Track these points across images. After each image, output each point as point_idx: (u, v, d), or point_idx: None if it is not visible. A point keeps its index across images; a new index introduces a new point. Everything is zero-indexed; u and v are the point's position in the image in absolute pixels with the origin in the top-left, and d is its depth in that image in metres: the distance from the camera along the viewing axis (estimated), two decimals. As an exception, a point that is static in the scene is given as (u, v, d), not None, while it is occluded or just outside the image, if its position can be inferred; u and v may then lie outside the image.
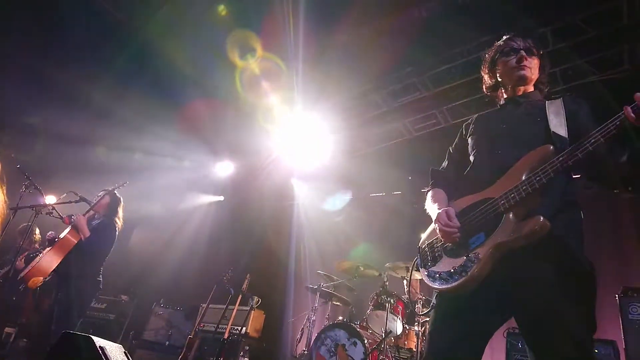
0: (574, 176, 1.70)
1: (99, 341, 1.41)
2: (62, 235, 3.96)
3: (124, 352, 1.82)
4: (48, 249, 3.94)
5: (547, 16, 4.52)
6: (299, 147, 6.97)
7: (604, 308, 3.62)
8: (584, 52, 4.80)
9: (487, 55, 2.02)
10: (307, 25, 5.00)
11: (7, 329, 5.49)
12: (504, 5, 4.31)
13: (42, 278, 3.83)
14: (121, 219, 4.43)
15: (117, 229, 4.31)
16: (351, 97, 6.04)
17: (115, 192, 4.49)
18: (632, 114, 1.36)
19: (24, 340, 5.72)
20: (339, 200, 6.89)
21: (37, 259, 3.88)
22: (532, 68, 1.86)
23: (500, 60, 1.92)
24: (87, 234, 3.99)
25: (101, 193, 4.44)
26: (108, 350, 1.46)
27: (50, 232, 4.15)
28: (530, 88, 1.92)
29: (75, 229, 4.00)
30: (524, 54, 1.84)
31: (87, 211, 4.24)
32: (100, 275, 4.18)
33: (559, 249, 1.48)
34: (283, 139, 6.91)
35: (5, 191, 0.85)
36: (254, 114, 6.55)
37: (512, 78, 1.88)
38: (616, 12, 4.33)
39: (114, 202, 4.43)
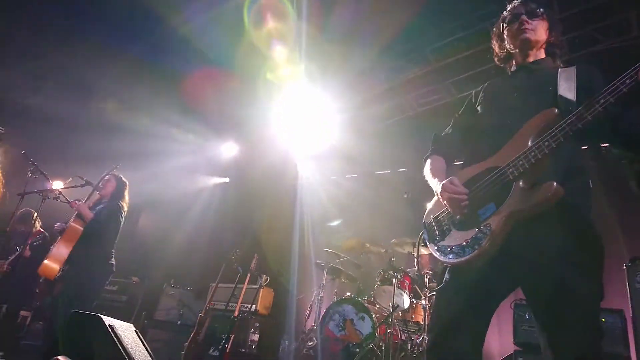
0: (582, 147, 1.66)
1: (108, 320, 1.43)
2: (67, 225, 4.02)
3: (135, 330, 1.84)
4: (58, 240, 4.01)
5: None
6: (302, 126, 6.91)
7: (612, 277, 3.62)
8: (591, 20, 4.67)
9: (494, 28, 2.00)
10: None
11: (23, 313, 5.61)
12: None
13: (58, 268, 3.90)
14: (127, 203, 4.47)
15: (122, 212, 4.34)
16: (354, 74, 5.94)
17: (122, 176, 4.53)
18: None
19: (40, 323, 5.86)
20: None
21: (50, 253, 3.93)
22: (536, 30, 1.81)
23: (505, 29, 1.89)
24: (90, 216, 4.04)
25: (107, 177, 4.47)
26: (118, 328, 1.48)
27: (57, 224, 4.20)
28: (542, 54, 1.86)
29: (79, 216, 4.05)
30: (524, 17, 1.81)
31: (90, 194, 4.28)
32: (113, 258, 4.23)
33: (570, 215, 1.46)
34: (286, 118, 6.84)
35: (1, 172, 0.83)
36: (257, 94, 6.47)
37: (516, 44, 1.84)
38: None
39: (120, 186, 4.47)
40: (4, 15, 4.99)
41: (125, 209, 4.41)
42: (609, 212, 4.38)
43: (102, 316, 1.38)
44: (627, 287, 3.34)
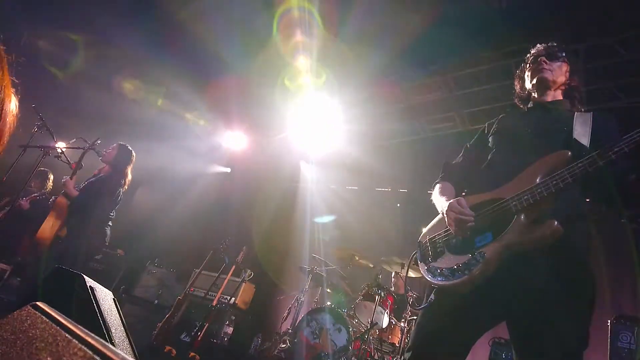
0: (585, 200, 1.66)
1: (89, 281, 1.41)
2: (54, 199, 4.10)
3: (113, 299, 1.82)
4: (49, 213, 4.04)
5: (583, 32, 4.40)
6: (311, 131, 6.93)
7: (595, 332, 3.58)
8: (613, 76, 4.69)
9: (517, 70, 2.07)
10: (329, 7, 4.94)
11: (2, 266, 5.57)
12: (543, 14, 4.20)
13: (48, 242, 3.96)
14: (128, 174, 4.38)
15: (115, 183, 4.24)
16: (371, 87, 5.96)
17: (129, 147, 4.46)
18: None
19: (18, 279, 5.82)
20: (325, 219, 6.95)
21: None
22: (554, 71, 1.86)
23: (527, 69, 1.96)
24: (74, 194, 4.04)
25: (114, 144, 4.44)
26: (98, 292, 1.46)
27: (52, 197, 4.27)
28: (560, 96, 1.87)
29: (64, 194, 4.07)
30: (543, 58, 1.88)
31: (75, 171, 4.20)
32: (106, 231, 4.19)
33: (565, 257, 1.45)
34: (298, 120, 6.86)
35: (17, 103, 0.82)
36: (273, 93, 6.49)
37: (534, 82, 1.89)
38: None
39: (122, 155, 4.37)
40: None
41: (125, 182, 4.33)
42: (595, 268, 4.37)
43: (84, 276, 1.37)
44: (609, 344, 3.31)
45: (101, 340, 0.43)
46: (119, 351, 0.39)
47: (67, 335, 0.47)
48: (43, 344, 0.47)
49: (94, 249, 4.25)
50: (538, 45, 1.97)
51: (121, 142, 4.49)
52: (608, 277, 4.38)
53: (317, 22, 5.10)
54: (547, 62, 1.86)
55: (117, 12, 5.30)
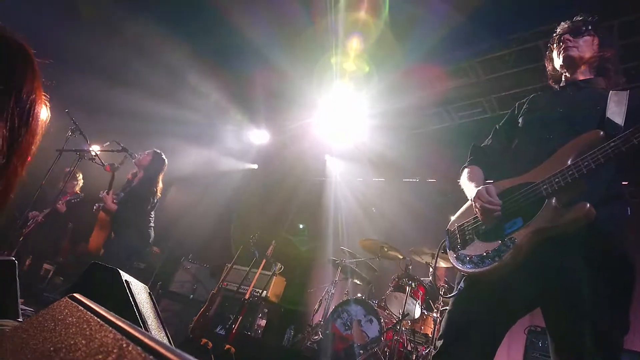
0: (622, 182, 1.59)
1: (125, 275, 1.47)
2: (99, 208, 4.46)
3: (149, 293, 1.88)
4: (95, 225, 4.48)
5: (616, 7, 4.18)
6: (337, 124, 6.91)
7: (637, 319, 3.45)
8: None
9: (547, 51, 2.00)
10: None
11: (46, 266, 5.86)
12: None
13: (98, 252, 4.40)
14: (159, 182, 4.62)
15: (147, 191, 4.50)
16: (398, 75, 5.86)
17: (162, 154, 4.70)
18: None
19: (61, 278, 6.11)
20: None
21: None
22: (580, 47, 1.78)
23: (553, 48, 1.89)
24: (114, 208, 4.36)
25: (147, 151, 4.67)
26: (133, 285, 1.51)
27: (95, 205, 4.56)
28: (592, 72, 1.80)
29: (104, 209, 4.41)
30: (567, 36, 1.81)
31: (111, 185, 4.49)
32: (150, 232, 4.51)
33: (600, 240, 1.40)
34: (323, 115, 6.85)
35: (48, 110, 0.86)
36: (300, 88, 6.49)
37: (561, 62, 1.83)
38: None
39: (156, 162, 4.61)
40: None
41: (157, 190, 4.57)
42: (635, 250, 4.18)
43: (120, 270, 1.42)
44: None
45: (130, 323, 0.45)
46: (145, 332, 0.41)
47: (99, 320, 0.50)
48: (78, 329, 0.50)
49: (139, 249, 4.61)
50: (562, 23, 1.89)
51: (156, 149, 4.72)
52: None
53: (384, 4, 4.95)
54: (572, 39, 1.79)
55: (146, 7, 5.38)
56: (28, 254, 5.43)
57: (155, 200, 4.53)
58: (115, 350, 0.38)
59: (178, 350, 0.36)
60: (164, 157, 4.70)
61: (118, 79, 6.08)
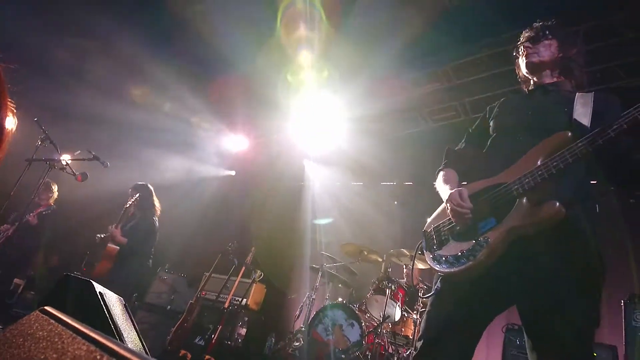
0: (591, 182, 1.65)
1: (98, 287, 1.43)
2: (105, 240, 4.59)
3: (124, 305, 1.83)
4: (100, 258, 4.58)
5: (581, 13, 4.35)
6: (313, 129, 6.93)
7: (609, 313, 3.58)
8: (616, 55, 4.63)
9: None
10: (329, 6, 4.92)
11: (17, 280, 5.65)
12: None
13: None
14: (157, 206, 4.87)
15: (156, 225, 4.77)
16: (371, 82, 5.93)
17: (145, 184, 4.89)
18: None
19: (31, 292, 5.89)
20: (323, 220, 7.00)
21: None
22: (539, 52, 1.84)
23: (518, 57, 1.96)
24: (124, 242, 4.51)
25: (130, 191, 4.81)
26: (107, 297, 1.48)
27: (97, 235, 4.66)
28: (558, 75, 1.86)
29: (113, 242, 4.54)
30: (526, 44, 1.88)
31: (121, 215, 4.66)
32: (150, 261, 4.81)
33: (571, 238, 1.45)
34: (300, 119, 6.86)
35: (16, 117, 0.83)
36: (274, 93, 6.48)
37: (526, 69, 1.89)
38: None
39: (144, 194, 4.79)
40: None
41: (156, 214, 4.84)
42: (607, 248, 4.35)
43: (93, 282, 1.38)
44: (623, 323, 3.29)
45: (104, 335, 0.44)
46: (120, 343, 0.40)
47: (71, 333, 0.48)
48: (49, 343, 0.48)
49: (143, 276, 5.01)
50: (524, 31, 1.96)
51: (137, 184, 4.88)
52: (620, 257, 4.34)
53: (321, 16, 5.07)
54: (531, 46, 1.86)
55: (116, 12, 5.27)
56: (-4, 269, 5.23)
57: (157, 230, 4.82)
58: (88, 361, 0.37)
59: None
60: (143, 183, 4.91)
61: (88, 85, 5.94)
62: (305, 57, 5.75)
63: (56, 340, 0.48)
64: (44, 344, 0.50)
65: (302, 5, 5.03)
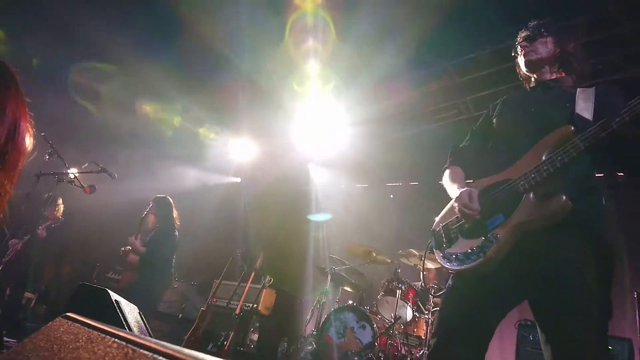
0: (597, 175, 1.65)
1: (114, 295, 1.45)
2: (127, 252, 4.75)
3: (139, 312, 1.85)
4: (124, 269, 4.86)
5: (582, 5, 4.34)
6: (317, 133, 6.95)
7: (623, 306, 3.55)
8: (617, 47, 4.62)
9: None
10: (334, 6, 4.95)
11: (28, 295, 5.69)
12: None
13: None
14: (177, 218, 4.99)
15: (175, 234, 4.87)
16: (373, 83, 5.95)
17: (164, 196, 5.01)
18: None
19: (44, 306, 5.94)
20: (320, 217, 7.00)
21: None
22: (536, 50, 1.87)
23: (517, 56, 1.98)
24: (143, 251, 4.64)
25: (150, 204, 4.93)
26: (123, 305, 1.50)
27: (122, 248, 4.80)
28: (558, 71, 1.88)
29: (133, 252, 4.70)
30: (523, 43, 1.90)
31: (140, 225, 4.80)
32: (172, 268, 4.95)
33: (579, 230, 1.45)
34: (304, 124, 6.89)
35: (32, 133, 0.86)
36: (280, 100, 6.51)
37: (526, 68, 1.92)
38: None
39: (163, 206, 4.91)
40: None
41: (175, 227, 4.94)
42: (615, 240, 4.30)
43: (108, 290, 1.40)
44: (637, 316, 3.27)
45: (132, 332, 0.45)
46: (148, 338, 0.41)
47: (99, 333, 0.50)
48: (79, 344, 0.50)
49: (166, 286, 5.05)
50: (520, 32, 1.98)
51: (157, 196, 5.00)
52: (631, 250, 4.31)
53: (330, 27, 5.13)
54: (528, 44, 1.88)
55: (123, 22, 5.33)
56: (7, 284, 5.27)
57: (176, 240, 4.92)
58: (121, 357, 0.39)
59: (186, 350, 0.36)
60: (163, 196, 5.03)
61: (94, 98, 6.01)
62: (312, 67, 5.80)
63: (85, 340, 0.50)
64: (72, 345, 0.51)
65: (312, 18, 5.09)
